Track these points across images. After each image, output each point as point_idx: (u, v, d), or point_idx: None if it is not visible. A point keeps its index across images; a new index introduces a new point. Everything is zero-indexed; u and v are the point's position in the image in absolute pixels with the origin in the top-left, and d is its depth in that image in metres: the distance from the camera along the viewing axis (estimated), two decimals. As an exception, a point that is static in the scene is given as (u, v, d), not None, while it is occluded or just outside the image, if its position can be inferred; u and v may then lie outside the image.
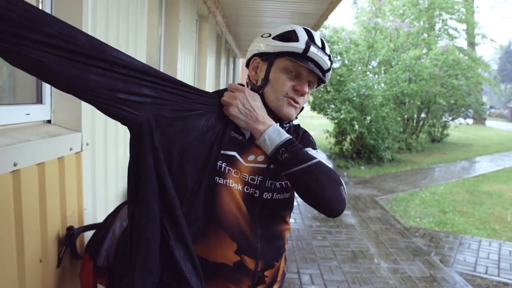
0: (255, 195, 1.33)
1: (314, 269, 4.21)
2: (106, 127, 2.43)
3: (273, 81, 1.36)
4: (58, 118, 2.05)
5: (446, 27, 17.41)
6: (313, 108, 11.71)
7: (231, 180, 1.30)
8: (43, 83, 1.99)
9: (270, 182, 1.35)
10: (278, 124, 1.35)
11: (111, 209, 2.40)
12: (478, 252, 4.99)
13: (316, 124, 22.73)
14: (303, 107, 1.43)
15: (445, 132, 16.77)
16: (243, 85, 1.42)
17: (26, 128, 1.81)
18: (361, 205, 6.79)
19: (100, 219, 2.29)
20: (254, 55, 1.43)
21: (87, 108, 2.10)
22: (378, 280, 4.01)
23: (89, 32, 2.07)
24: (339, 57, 12.07)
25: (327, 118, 11.49)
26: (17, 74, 1.89)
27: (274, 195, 1.36)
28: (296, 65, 1.34)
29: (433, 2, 15.40)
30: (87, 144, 2.12)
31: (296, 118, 1.44)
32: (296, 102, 1.37)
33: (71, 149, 1.95)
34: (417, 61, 12.30)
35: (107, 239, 1.85)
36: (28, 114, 1.86)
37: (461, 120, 17.02)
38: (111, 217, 1.95)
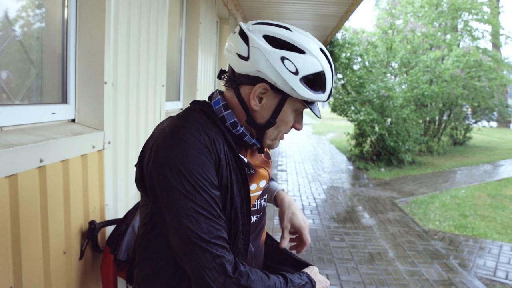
0: (256, 219, 1.32)
1: (331, 269, 4.22)
2: (128, 126, 2.51)
3: (280, 122, 1.22)
4: (81, 117, 2.13)
5: (468, 28, 17.13)
6: (334, 110, 11.69)
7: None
8: (68, 83, 2.07)
9: (261, 201, 1.34)
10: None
11: (131, 205, 2.49)
12: (498, 257, 4.92)
13: (336, 125, 22.66)
14: None
15: (467, 135, 16.52)
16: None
17: (51, 127, 1.89)
18: (380, 207, 6.77)
19: (121, 214, 2.36)
20: (263, 80, 1.16)
21: (109, 108, 2.18)
22: (395, 282, 4.00)
23: (111, 33, 2.16)
24: (359, 59, 12.05)
25: (347, 119, 11.46)
26: (44, 75, 1.97)
27: (260, 214, 1.35)
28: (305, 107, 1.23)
29: (453, 4, 15.19)
30: (109, 143, 2.19)
31: None
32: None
33: (93, 147, 2.02)
34: (437, 63, 12.15)
35: (127, 234, 1.92)
36: (54, 113, 1.95)
37: (484, 123, 16.72)
38: (131, 213, 2.02)
